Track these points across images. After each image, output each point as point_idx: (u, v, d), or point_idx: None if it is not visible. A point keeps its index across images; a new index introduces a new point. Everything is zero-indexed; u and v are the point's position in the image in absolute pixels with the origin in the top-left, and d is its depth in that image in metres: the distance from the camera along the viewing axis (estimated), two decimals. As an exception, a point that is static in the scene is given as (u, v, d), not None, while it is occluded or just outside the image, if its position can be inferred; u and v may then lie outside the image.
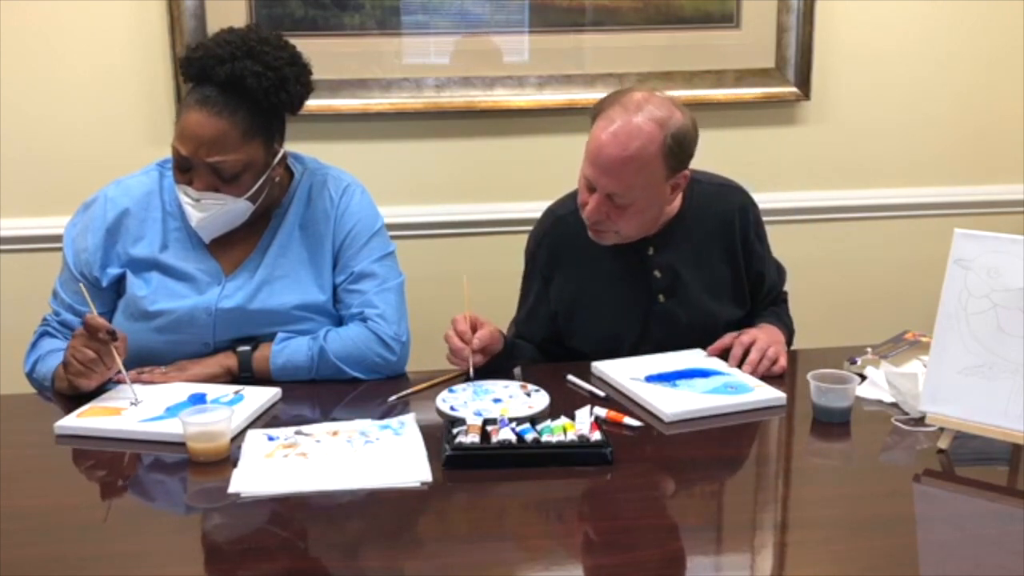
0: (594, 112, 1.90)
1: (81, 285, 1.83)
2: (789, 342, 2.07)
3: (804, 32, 2.68)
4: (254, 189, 1.82)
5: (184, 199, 1.82)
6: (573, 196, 2.07)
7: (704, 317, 2.01)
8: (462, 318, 1.87)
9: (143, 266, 1.88)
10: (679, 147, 1.85)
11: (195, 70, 1.78)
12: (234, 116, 1.76)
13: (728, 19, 2.68)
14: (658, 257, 2.00)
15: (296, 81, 1.81)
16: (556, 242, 2.06)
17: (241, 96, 1.76)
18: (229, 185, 1.80)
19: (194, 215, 1.82)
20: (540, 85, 2.64)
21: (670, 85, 2.66)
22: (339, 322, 1.94)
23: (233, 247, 1.91)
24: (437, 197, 2.69)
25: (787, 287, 2.22)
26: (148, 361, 1.85)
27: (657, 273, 2.01)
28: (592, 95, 2.63)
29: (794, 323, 2.16)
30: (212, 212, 1.81)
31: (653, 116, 1.83)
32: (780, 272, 2.19)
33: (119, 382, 1.76)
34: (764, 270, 2.11)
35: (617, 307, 2.02)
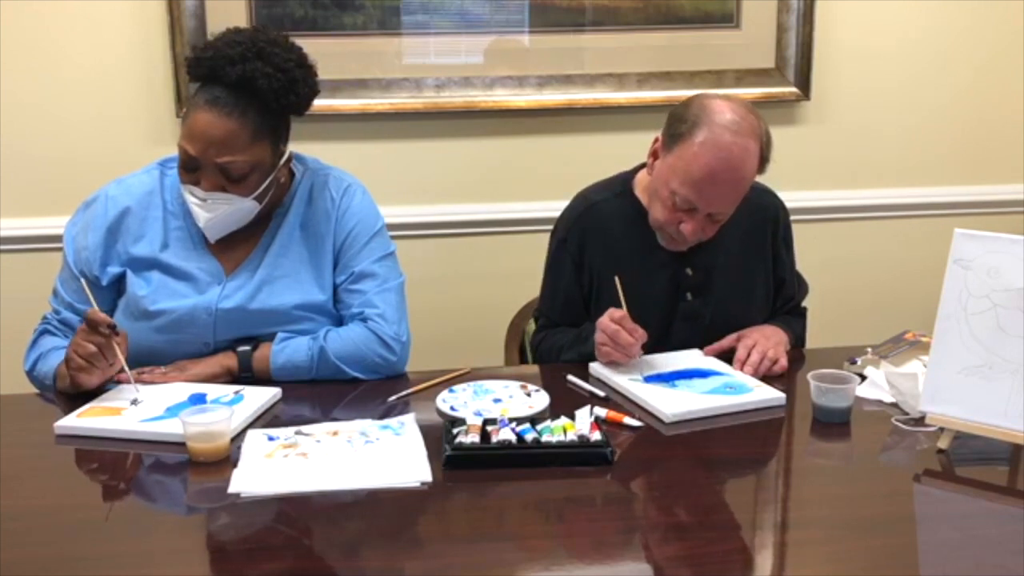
0: (676, 130, 1.84)
1: (83, 281, 1.83)
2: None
3: (804, 32, 2.68)
4: (260, 189, 1.82)
5: (190, 199, 1.82)
6: (608, 183, 2.06)
7: (728, 319, 1.99)
8: (622, 314, 1.83)
9: (143, 265, 1.88)
10: (767, 154, 1.85)
11: (204, 70, 1.77)
12: (244, 117, 1.75)
13: (728, 19, 2.68)
14: (694, 255, 1.98)
15: (304, 83, 1.81)
16: (588, 228, 2.03)
17: (251, 97, 1.76)
18: (236, 185, 1.80)
19: (201, 215, 1.82)
20: (540, 85, 2.64)
21: (670, 85, 2.67)
22: (339, 322, 1.94)
23: (234, 247, 1.90)
24: (437, 197, 2.69)
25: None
26: (148, 361, 1.85)
27: (689, 271, 2.00)
28: (592, 95, 2.64)
29: (806, 335, 2.15)
30: (219, 212, 1.81)
31: (753, 130, 1.81)
32: (801, 285, 2.17)
33: (120, 381, 1.76)
34: (786, 276, 2.10)
35: (643, 301, 1.94)
